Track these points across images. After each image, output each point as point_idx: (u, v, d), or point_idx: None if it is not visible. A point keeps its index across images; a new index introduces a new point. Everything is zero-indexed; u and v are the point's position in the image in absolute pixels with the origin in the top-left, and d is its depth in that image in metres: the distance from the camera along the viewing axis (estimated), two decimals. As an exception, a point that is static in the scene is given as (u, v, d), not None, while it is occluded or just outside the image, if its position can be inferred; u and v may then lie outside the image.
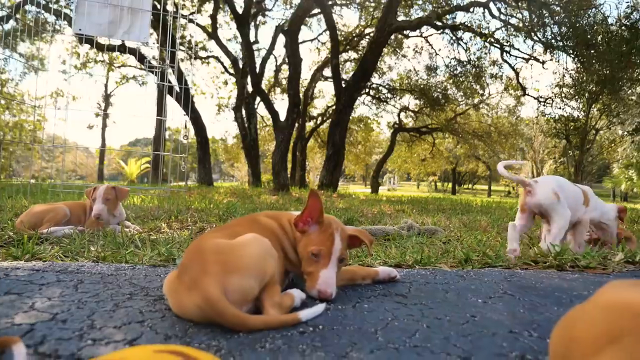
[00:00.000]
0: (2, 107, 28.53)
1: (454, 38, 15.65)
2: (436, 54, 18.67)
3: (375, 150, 35.15)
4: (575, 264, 2.16)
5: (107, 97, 25.57)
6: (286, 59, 14.70)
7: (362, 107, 23.88)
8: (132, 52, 14.83)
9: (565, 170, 13.55)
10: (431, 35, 17.88)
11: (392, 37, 18.98)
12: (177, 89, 14.30)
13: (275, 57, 21.74)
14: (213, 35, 16.78)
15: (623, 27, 10.84)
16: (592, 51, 11.77)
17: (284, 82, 22.23)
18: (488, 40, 13.43)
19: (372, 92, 21.73)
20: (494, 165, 36.59)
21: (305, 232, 1.41)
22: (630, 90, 12.66)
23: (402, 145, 26.02)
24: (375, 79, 21.20)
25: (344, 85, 13.26)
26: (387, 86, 21.04)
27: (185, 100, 14.44)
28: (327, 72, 20.44)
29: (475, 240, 2.96)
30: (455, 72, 17.61)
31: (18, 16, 15.12)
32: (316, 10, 14.91)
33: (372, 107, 23.19)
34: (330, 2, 14.85)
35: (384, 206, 7.17)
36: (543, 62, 12.56)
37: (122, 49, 14.67)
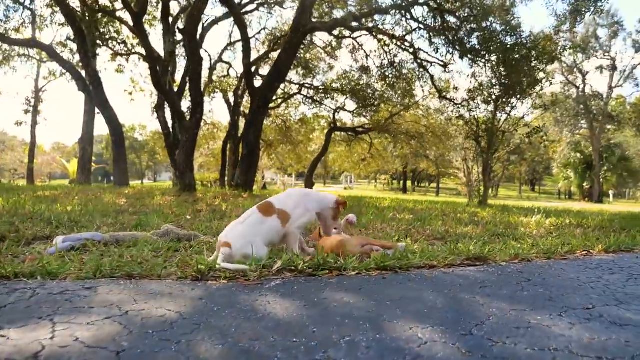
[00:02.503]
0: None
1: (380, 41, 15.88)
2: (367, 56, 18.90)
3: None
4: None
5: (37, 93, 24.59)
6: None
7: (303, 107, 23.85)
8: (44, 47, 14.40)
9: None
10: (361, 36, 18.09)
11: (331, 37, 19.15)
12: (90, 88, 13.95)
13: (209, 56, 21.53)
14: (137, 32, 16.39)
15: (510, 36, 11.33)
16: (495, 57, 12.20)
17: (227, 81, 22.06)
18: (397, 43, 13.68)
19: (310, 93, 21.84)
20: (441, 165, 37.41)
21: None
22: (534, 95, 13.19)
23: (342, 145, 26.29)
24: (311, 80, 21.39)
25: (257, 86, 13.22)
26: (320, 87, 21.16)
27: (99, 97, 14.08)
28: (262, 70, 20.43)
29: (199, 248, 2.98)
30: (385, 73, 17.89)
31: None
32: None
33: (311, 107, 23.25)
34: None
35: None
36: (445, 65, 12.91)
37: (33, 44, 14.19)
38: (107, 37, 17.96)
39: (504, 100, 12.52)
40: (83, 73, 15.33)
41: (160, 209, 6.24)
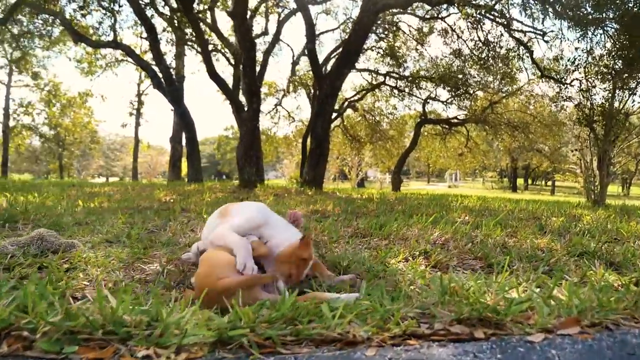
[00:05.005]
0: (56, 110, 30.30)
1: (468, 15, 13.86)
2: (459, 37, 16.82)
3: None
4: None
5: (139, 96, 26.12)
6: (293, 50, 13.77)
7: (394, 100, 22.22)
8: (123, 47, 14.70)
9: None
10: (449, 15, 16.11)
11: (418, 19, 17.50)
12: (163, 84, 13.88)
13: (292, 49, 20.94)
14: (213, 27, 16.18)
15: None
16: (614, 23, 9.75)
17: (308, 75, 21.36)
18: (485, 13, 11.60)
19: (398, 84, 20.28)
20: (556, 159, 33.19)
21: None
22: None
23: (436, 139, 24.10)
24: (402, 70, 19.81)
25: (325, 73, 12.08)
26: (408, 76, 19.44)
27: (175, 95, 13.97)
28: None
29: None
30: (480, 54, 15.74)
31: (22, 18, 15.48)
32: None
33: (400, 98, 21.57)
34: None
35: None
36: (544, 34, 10.52)
37: (113, 44, 14.55)
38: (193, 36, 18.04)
39: (626, 75, 9.94)
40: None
41: (188, 206, 5.43)
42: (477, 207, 7.05)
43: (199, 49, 18.83)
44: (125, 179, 46.68)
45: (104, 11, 15.21)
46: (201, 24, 16.76)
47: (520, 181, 55.28)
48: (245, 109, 10.45)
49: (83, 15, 15.09)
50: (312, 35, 11.49)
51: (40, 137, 33.13)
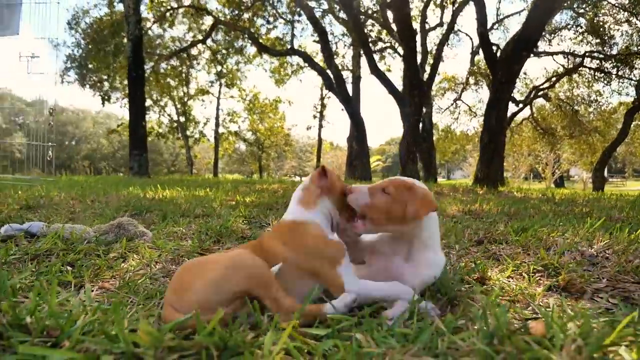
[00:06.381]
0: (256, 117, 34.31)
1: None
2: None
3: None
4: None
5: (321, 99, 27.72)
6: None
7: (597, 85, 18.95)
8: (299, 54, 15.65)
9: None
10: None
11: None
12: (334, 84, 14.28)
13: (471, 39, 19.61)
14: (384, 24, 16.07)
15: None
16: None
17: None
18: None
19: (603, 65, 17.24)
20: None
21: None
22: None
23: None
24: (607, 49, 16.79)
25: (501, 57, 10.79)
26: (615, 54, 16.27)
27: (343, 92, 14.27)
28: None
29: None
30: None
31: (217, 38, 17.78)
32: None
33: (605, 83, 18.26)
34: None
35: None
36: None
37: (291, 52, 15.61)
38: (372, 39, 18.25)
39: None
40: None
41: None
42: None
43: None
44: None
45: (284, 23, 16.52)
46: (374, 22, 16.89)
47: None
48: (408, 103, 9.99)
49: (268, 30, 16.65)
50: (483, 17, 10.38)
51: (244, 142, 37.69)
